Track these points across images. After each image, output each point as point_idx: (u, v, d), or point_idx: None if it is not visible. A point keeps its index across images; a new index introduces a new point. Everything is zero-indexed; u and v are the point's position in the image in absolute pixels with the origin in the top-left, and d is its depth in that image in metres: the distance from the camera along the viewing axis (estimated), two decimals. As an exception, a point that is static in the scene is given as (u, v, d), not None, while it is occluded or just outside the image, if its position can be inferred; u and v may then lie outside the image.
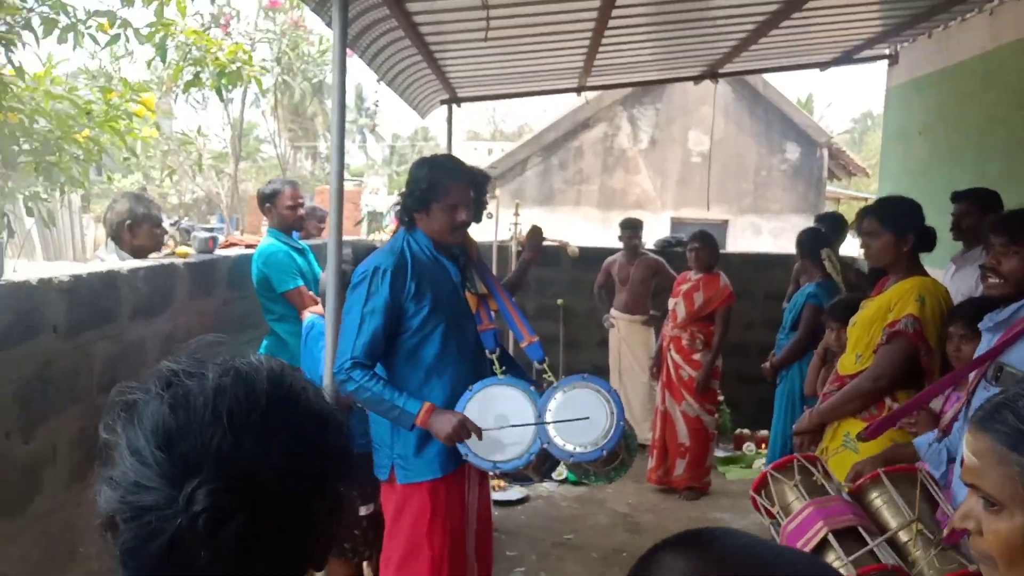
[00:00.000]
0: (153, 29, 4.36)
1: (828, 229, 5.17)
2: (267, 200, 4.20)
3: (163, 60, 4.56)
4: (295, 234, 4.34)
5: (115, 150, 4.46)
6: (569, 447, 2.62)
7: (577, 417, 2.63)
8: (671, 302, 5.56)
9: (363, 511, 3.24)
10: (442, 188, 2.69)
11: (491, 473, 2.92)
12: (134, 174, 12.62)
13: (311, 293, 3.96)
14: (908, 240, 2.93)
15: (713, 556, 0.66)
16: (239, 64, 4.58)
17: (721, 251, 7.43)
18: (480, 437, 2.60)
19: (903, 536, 2.11)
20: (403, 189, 2.82)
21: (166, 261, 3.53)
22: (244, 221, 9.63)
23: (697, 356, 5.40)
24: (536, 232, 3.50)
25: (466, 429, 2.59)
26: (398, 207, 2.84)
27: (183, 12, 4.21)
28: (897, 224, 2.95)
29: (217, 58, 4.54)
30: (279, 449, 0.77)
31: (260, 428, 0.77)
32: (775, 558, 0.66)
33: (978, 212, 3.83)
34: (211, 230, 4.42)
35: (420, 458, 2.69)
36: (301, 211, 4.24)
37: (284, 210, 4.15)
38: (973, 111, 5.13)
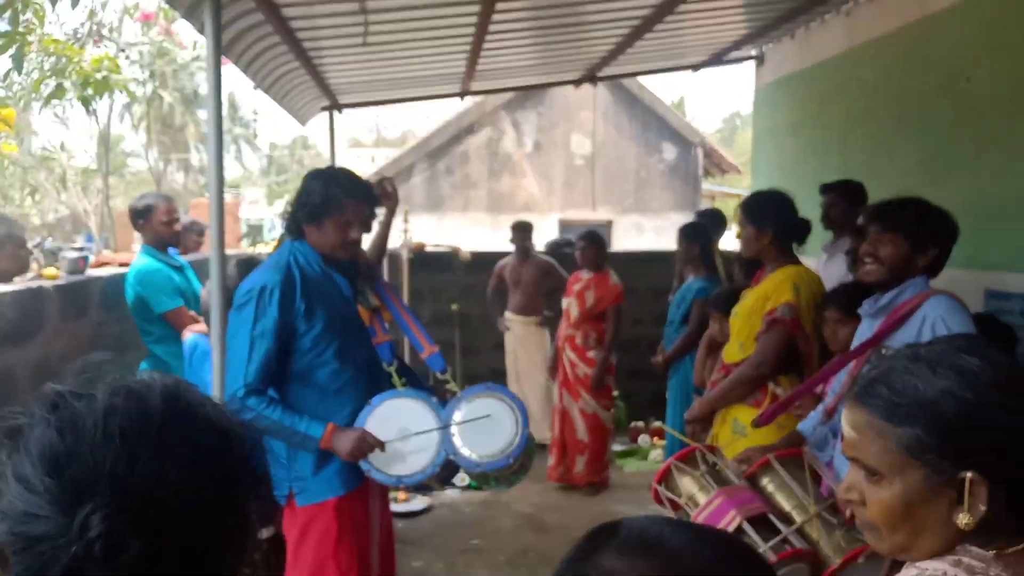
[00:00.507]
0: (6, 39, 4.06)
1: (708, 224, 5.37)
2: (140, 216, 4.00)
3: (19, 71, 4.26)
4: (172, 250, 4.14)
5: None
6: (475, 457, 2.59)
7: (480, 426, 2.61)
8: (564, 302, 5.66)
9: (264, 534, 3.13)
10: (337, 204, 2.60)
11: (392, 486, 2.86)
12: (-11, 194, 11.76)
13: (192, 312, 3.79)
14: (767, 233, 3.07)
15: (657, 550, 0.68)
16: (105, 73, 4.32)
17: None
18: (383, 450, 2.55)
19: (799, 518, 2.20)
20: (292, 199, 2.71)
21: (33, 284, 3.32)
22: (114, 239, 9.12)
23: (591, 354, 5.51)
24: (384, 181, 3.25)
25: (368, 444, 2.53)
26: (286, 216, 2.73)
27: (41, 19, 3.94)
28: (756, 218, 3.10)
29: (81, 67, 4.27)
30: (177, 465, 0.73)
31: (155, 445, 0.72)
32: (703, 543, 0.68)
33: (844, 203, 4.07)
34: (80, 249, 4.16)
35: (319, 478, 2.61)
36: (177, 226, 4.06)
37: (159, 226, 3.96)
38: (835, 109, 5.46)
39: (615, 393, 6.74)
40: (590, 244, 5.53)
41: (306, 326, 2.55)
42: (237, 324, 2.54)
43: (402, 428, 2.61)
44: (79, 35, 5.98)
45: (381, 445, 2.55)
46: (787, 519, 2.22)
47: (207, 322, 3.13)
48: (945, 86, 4.23)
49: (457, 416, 2.64)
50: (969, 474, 0.98)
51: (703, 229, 5.08)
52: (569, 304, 5.58)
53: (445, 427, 2.62)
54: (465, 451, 2.60)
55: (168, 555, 0.71)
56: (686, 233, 4.99)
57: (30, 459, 0.71)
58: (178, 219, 4.07)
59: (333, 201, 2.60)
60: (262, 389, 2.51)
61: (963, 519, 0.99)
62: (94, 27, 6.03)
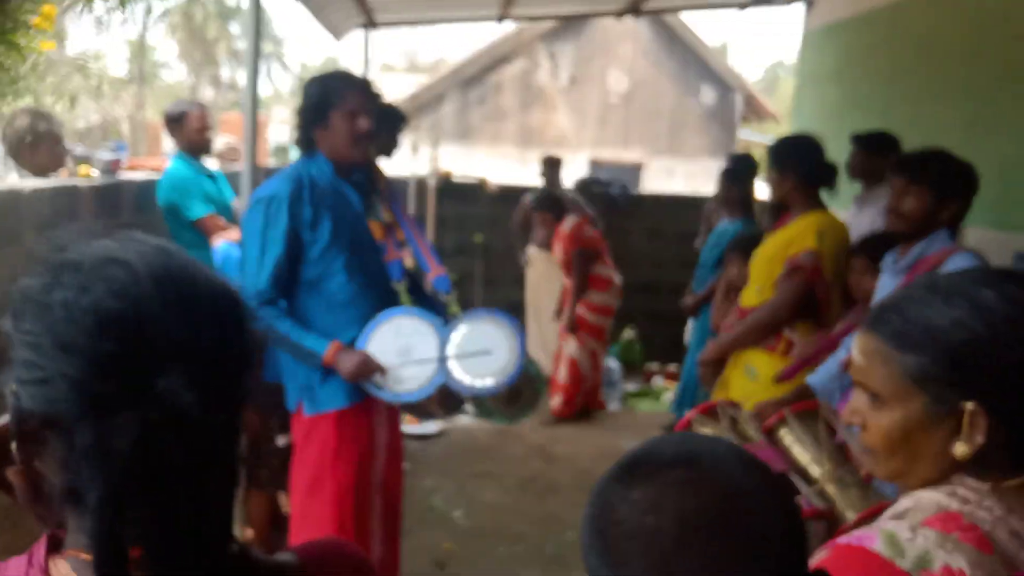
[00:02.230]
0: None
1: (741, 168, 5.30)
2: (174, 121, 4.00)
3: None
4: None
5: (8, 65, 4.13)
6: (467, 380, 2.59)
7: (477, 350, 2.61)
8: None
9: (280, 441, 3.22)
10: (337, 94, 2.55)
11: (399, 406, 2.89)
12: (25, 97, 11.80)
13: (222, 220, 3.83)
14: (789, 177, 3.03)
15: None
16: None
17: (635, 193, 7.59)
18: (384, 374, 2.57)
19: (816, 473, 2.21)
20: (298, 110, 2.65)
21: (69, 182, 3.35)
22: (146, 147, 9.14)
23: (583, 298, 5.64)
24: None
25: (369, 368, 2.54)
26: (295, 132, 2.68)
27: None
28: (780, 162, 3.06)
29: None
30: (227, 329, 0.76)
31: (208, 309, 0.75)
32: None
33: (866, 154, 4.00)
34: (114, 152, 4.18)
35: (325, 388, 2.63)
36: (209, 134, 4.06)
37: (192, 132, 3.96)
38: (882, 59, 5.31)
39: (632, 334, 6.80)
40: (541, 206, 5.79)
41: (312, 234, 2.55)
42: (248, 232, 2.55)
43: (404, 346, 2.62)
44: None
45: (382, 370, 2.56)
46: (805, 474, 2.24)
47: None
48: (995, 43, 4.12)
49: (455, 337, 2.64)
50: (970, 405, 0.99)
51: (745, 172, 5.00)
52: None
53: (443, 359, 2.61)
54: (457, 373, 2.60)
55: (233, 418, 0.76)
56: (728, 174, 4.89)
57: (79, 326, 0.70)
58: (211, 127, 4.06)
59: (332, 93, 2.55)
60: (274, 298, 2.53)
61: (960, 449, 1.00)
62: None
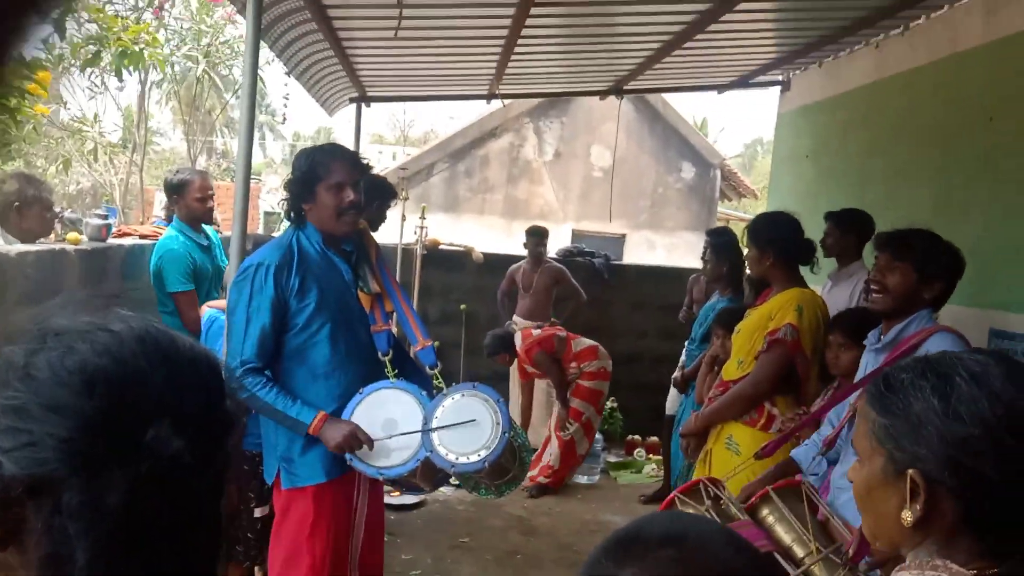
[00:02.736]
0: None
1: (728, 245, 5.38)
2: (175, 191, 4.00)
3: (61, 36, 4.33)
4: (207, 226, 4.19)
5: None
6: (451, 457, 2.54)
7: (461, 425, 2.57)
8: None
9: (258, 513, 3.18)
10: (323, 167, 2.58)
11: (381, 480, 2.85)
12: (15, 161, 11.89)
13: (196, 300, 3.80)
14: (768, 254, 3.10)
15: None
16: (142, 45, 4.39)
17: (617, 263, 7.69)
18: (371, 448, 2.53)
19: (800, 553, 2.21)
20: (288, 183, 2.69)
21: (56, 247, 3.37)
22: (142, 213, 9.19)
23: (585, 366, 5.68)
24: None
25: (357, 439, 2.51)
26: (284, 204, 2.71)
27: None
28: (759, 239, 3.14)
29: (119, 38, 4.34)
30: (206, 384, 0.78)
31: (188, 366, 0.77)
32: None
33: (839, 231, 4.10)
34: (103, 217, 4.22)
35: (305, 461, 2.61)
36: (211, 203, 4.05)
37: (193, 201, 3.95)
38: (857, 140, 5.49)
39: (614, 404, 6.79)
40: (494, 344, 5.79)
41: (297, 304, 2.55)
42: (235, 300, 2.56)
43: (388, 421, 2.60)
44: (139, 6, 6.01)
45: (370, 443, 2.53)
46: (788, 553, 2.23)
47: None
48: (968, 124, 4.26)
49: (439, 412, 2.61)
50: (911, 471, 1.02)
51: (734, 247, 5.06)
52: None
53: (426, 430, 2.59)
54: (441, 450, 2.55)
55: (217, 479, 0.77)
56: (716, 249, 4.87)
57: (66, 386, 0.71)
58: (212, 195, 4.05)
59: (319, 166, 2.59)
60: (259, 367, 2.52)
61: (905, 515, 1.03)
62: (157, 1, 6.06)
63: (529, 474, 5.55)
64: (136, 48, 4.36)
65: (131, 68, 4.51)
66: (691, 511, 2.39)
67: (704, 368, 4.32)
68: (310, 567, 2.61)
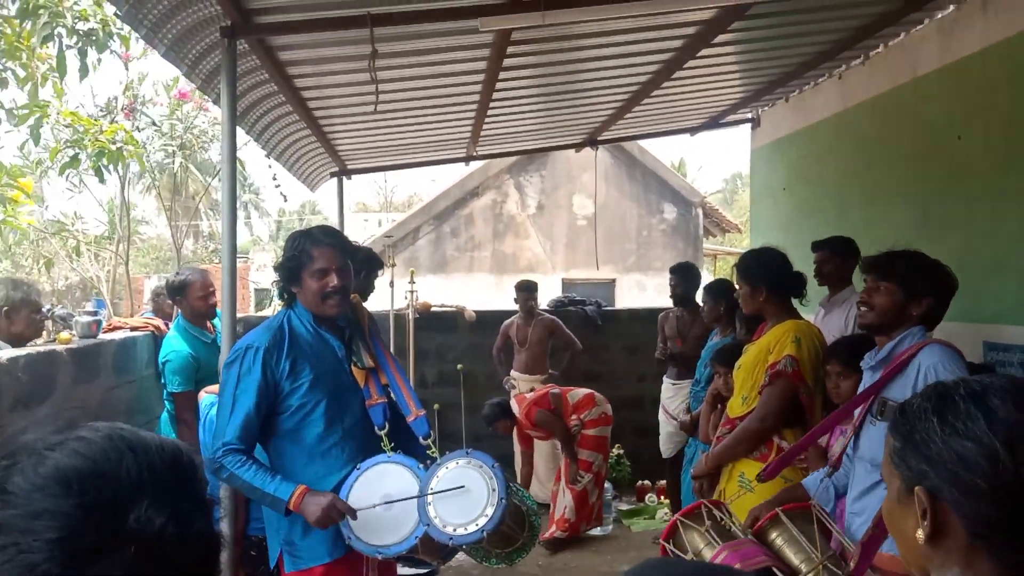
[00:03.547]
0: (28, 111, 4.22)
1: (682, 278, 5.45)
2: (177, 292, 4.08)
3: (36, 142, 4.41)
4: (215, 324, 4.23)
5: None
6: (449, 529, 2.48)
7: (457, 495, 2.51)
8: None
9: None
10: (306, 255, 2.61)
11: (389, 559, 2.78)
12: (2, 263, 11.95)
13: (193, 402, 3.86)
14: (760, 290, 3.14)
15: None
16: (119, 144, 4.47)
17: (610, 308, 7.71)
18: (354, 517, 2.48)
19: (809, 573, 2.20)
20: (276, 267, 2.73)
21: (46, 348, 3.37)
22: (131, 304, 9.19)
23: (586, 416, 5.62)
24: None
25: (336, 510, 2.45)
26: (276, 284, 2.74)
27: (60, 93, 4.11)
28: (750, 276, 3.18)
29: (97, 139, 4.43)
30: (176, 466, 0.82)
31: (156, 454, 0.81)
32: None
33: (836, 258, 4.15)
34: (93, 314, 4.24)
35: (307, 542, 2.57)
36: (213, 299, 4.10)
37: (195, 301, 4.03)
38: (830, 168, 5.59)
39: (620, 451, 6.74)
40: (494, 415, 5.65)
41: (291, 384, 2.55)
42: (224, 382, 2.56)
43: (386, 495, 2.55)
44: (111, 107, 6.15)
45: (352, 512, 2.47)
46: (794, 573, 2.22)
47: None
48: (937, 144, 4.35)
49: (434, 483, 2.56)
50: (917, 488, 1.05)
51: (728, 287, 5.10)
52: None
53: (421, 496, 2.53)
54: (438, 522, 2.49)
55: (200, 542, 0.80)
56: (711, 291, 4.93)
57: (44, 491, 0.74)
58: (213, 292, 4.09)
59: (303, 253, 2.62)
60: (241, 448, 2.49)
61: (918, 533, 1.05)
62: (128, 100, 6.20)
63: (549, 530, 5.49)
64: (113, 148, 4.44)
65: (110, 167, 4.59)
66: (694, 534, 2.39)
67: (706, 407, 4.31)
68: None
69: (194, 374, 3.91)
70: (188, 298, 4.04)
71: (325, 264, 2.61)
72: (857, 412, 2.54)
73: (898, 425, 1.11)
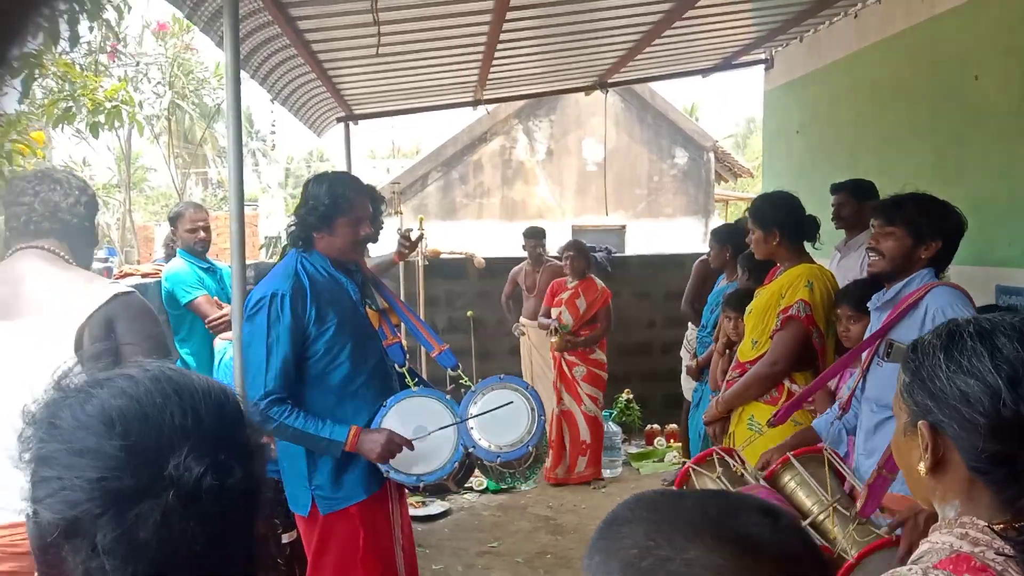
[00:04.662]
0: (20, 63, 4.14)
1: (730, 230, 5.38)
2: (172, 223, 4.29)
3: (26, 96, 4.34)
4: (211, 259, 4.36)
5: (-6, 190, 4.23)
6: (495, 448, 2.63)
7: (499, 416, 2.66)
8: (553, 312, 5.75)
9: (285, 539, 3.19)
10: (347, 202, 2.63)
11: (408, 490, 2.86)
12: (11, 210, 11.96)
13: (215, 299, 3.96)
14: (774, 233, 3.11)
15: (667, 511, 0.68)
16: (118, 103, 4.42)
17: (620, 254, 7.70)
18: (411, 448, 2.56)
19: (820, 515, 2.22)
20: (298, 208, 2.71)
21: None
22: (138, 252, 9.21)
23: (592, 356, 5.75)
24: (408, 232, 3.62)
25: (395, 444, 2.53)
26: (293, 228, 2.72)
27: (49, 47, 4.03)
28: (762, 220, 3.15)
29: (92, 96, 4.38)
30: (221, 411, 0.82)
31: (203, 398, 0.81)
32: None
33: (854, 201, 4.10)
34: (104, 261, 4.29)
35: (339, 484, 2.62)
36: (203, 234, 4.22)
37: (184, 233, 4.21)
38: (845, 110, 5.49)
39: (629, 396, 6.81)
40: (578, 254, 5.80)
41: (318, 330, 2.57)
42: (251, 333, 2.56)
43: (418, 427, 2.63)
44: (93, 49, 6.05)
45: (409, 444, 2.56)
46: (806, 515, 2.25)
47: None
48: (954, 85, 4.26)
49: (473, 410, 2.68)
50: (920, 422, 1.08)
51: (736, 232, 5.07)
52: (560, 314, 5.73)
53: (462, 421, 2.65)
54: (484, 443, 2.64)
55: (240, 489, 0.80)
56: (718, 236, 4.95)
57: (89, 429, 0.76)
58: (204, 227, 4.24)
59: (343, 200, 2.62)
60: (283, 396, 2.52)
61: (920, 466, 1.08)
62: (110, 42, 6.12)
63: (577, 471, 5.67)
64: (109, 105, 4.39)
65: (107, 127, 4.56)
66: (706, 480, 2.42)
67: (716, 354, 4.32)
68: None
69: (200, 284, 4.05)
70: (179, 229, 4.22)
71: (362, 212, 2.66)
72: (865, 354, 2.54)
73: (908, 361, 1.13)
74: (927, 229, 2.41)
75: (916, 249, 2.42)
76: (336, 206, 2.62)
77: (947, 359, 1.06)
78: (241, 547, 0.81)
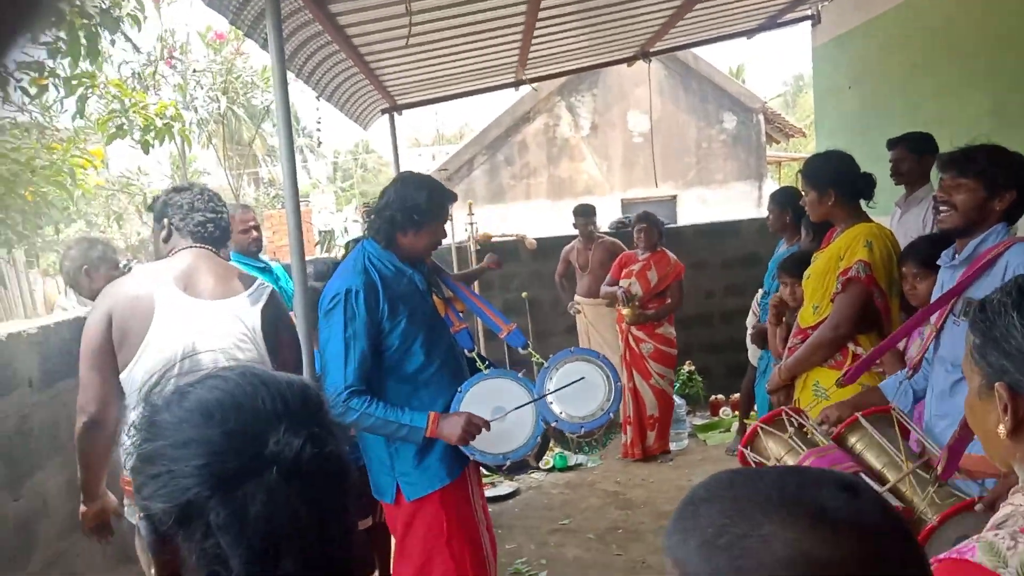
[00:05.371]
0: (77, 81, 4.30)
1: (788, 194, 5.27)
2: None
3: (81, 115, 4.49)
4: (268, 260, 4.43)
5: (57, 201, 4.40)
6: (578, 419, 2.72)
7: (577, 388, 2.72)
8: (623, 283, 5.70)
9: (361, 525, 3.27)
10: (443, 211, 2.74)
11: (485, 471, 2.94)
12: (76, 222, 12.40)
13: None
14: (829, 194, 3.03)
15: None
16: (168, 119, 4.56)
17: (672, 225, 7.61)
18: (489, 428, 2.62)
19: (892, 476, 2.18)
20: (385, 204, 2.71)
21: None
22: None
23: (660, 330, 5.65)
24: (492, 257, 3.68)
25: (475, 425, 2.59)
26: (374, 219, 2.74)
27: (100, 66, 4.17)
28: (816, 181, 3.06)
29: (144, 113, 4.52)
30: (305, 392, 0.89)
31: (285, 383, 0.88)
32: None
33: (912, 155, 3.98)
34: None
35: (422, 470, 2.68)
36: (255, 233, 4.29)
37: (236, 235, 4.23)
38: (898, 60, 5.32)
39: (691, 368, 6.76)
40: (651, 225, 5.70)
41: (391, 323, 2.63)
42: (329, 329, 2.62)
43: (496, 408, 2.70)
44: (152, 59, 6.23)
45: (487, 424, 2.62)
46: (879, 477, 2.21)
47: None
48: (1010, 28, 4.10)
49: (550, 385, 2.74)
50: (998, 385, 1.05)
51: (796, 194, 4.97)
52: (630, 285, 5.64)
53: (541, 398, 2.71)
54: (565, 416, 2.71)
55: (334, 462, 0.87)
56: (776, 200, 4.84)
57: (189, 423, 0.83)
58: (254, 226, 4.30)
59: (440, 209, 2.72)
60: (363, 389, 2.59)
61: (999, 428, 1.06)
62: (166, 51, 6.29)
63: (647, 444, 5.68)
64: (159, 124, 4.53)
65: (158, 142, 4.70)
66: (774, 441, 2.39)
67: (771, 320, 4.25)
68: (454, 569, 2.68)
69: None
70: (231, 233, 4.25)
71: (447, 217, 2.80)
72: (935, 314, 2.48)
73: (978, 321, 1.10)
74: (1001, 180, 2.32)
75: (990, 201, 2.33)
76: (433, 213, 2.71)
77: (1021, 317, 1.03)
78: (338, 525, 0.86)
